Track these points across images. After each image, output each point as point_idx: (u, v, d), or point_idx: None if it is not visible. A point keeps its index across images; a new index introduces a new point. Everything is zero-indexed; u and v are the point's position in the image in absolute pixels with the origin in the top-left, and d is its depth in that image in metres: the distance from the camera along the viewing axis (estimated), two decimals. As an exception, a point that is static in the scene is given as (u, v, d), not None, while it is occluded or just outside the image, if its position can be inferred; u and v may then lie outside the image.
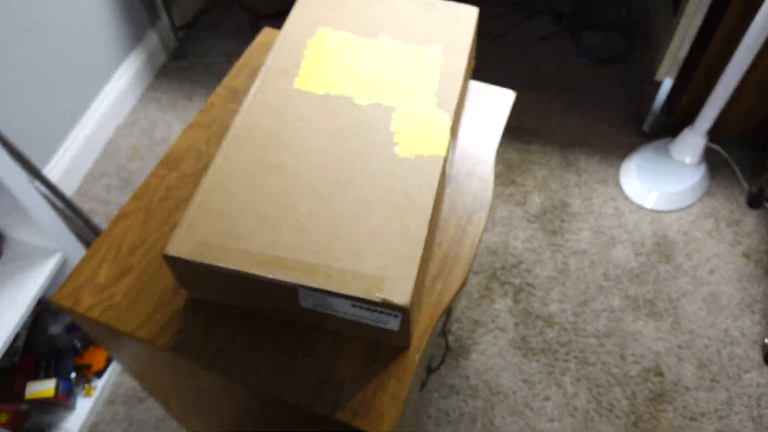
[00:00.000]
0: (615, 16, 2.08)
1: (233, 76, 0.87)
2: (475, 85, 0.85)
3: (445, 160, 0.65)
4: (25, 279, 1.05)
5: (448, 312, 0.98)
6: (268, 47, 0.90)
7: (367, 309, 0.54)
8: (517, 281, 1.47)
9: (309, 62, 0.73)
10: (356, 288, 0.53)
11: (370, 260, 0.55)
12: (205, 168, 0.75)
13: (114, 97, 1.76)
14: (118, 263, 0.66)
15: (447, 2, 0.80)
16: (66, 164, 1.61)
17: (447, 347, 1.32)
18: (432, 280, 0.65)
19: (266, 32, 0.93)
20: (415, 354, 0.60)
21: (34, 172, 1.22)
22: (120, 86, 1.78)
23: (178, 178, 0.74)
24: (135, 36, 1.82)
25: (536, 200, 1.62)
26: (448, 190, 0.73)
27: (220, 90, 0.85)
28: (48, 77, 1.50)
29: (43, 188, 1.31)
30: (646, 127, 1.76)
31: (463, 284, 0.65)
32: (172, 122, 1.81)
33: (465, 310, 1.42)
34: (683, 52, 1.54)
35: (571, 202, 1.61)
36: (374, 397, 0.57)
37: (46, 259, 1.07)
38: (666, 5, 1.71)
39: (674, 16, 1.53)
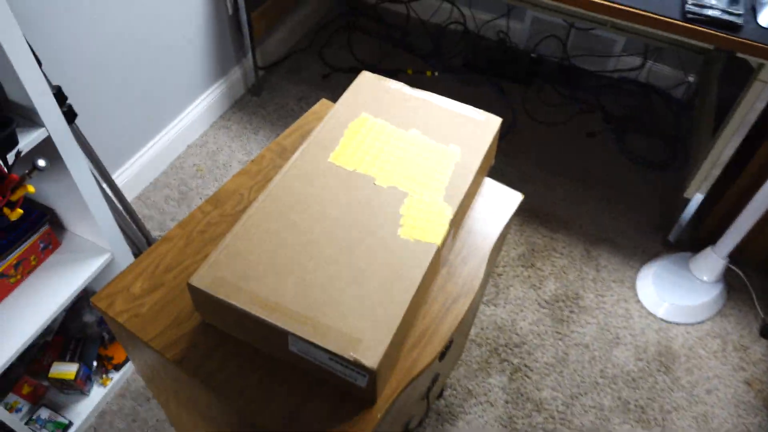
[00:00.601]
0: (664, 125, 2.16)
1: (286, 136, 1.00)
2: (489, 183, 0.95)
3: (441, 247, 0.75)
4: (75, 271, 1.19)
5: (435, 378, 1.06)
6: (320, 117, 1.04)
7: (341, 364, 0.64)
8: (516, 360, 1.52)
9: (347, 140, 0.85)
10: (335, 344, 0.63)
11: (354, 321, 0.65)
12: (244, 211, 0.87)
13: (192, 118, 1.96)
14: (153, 279, 0.79)
15: (476, 110, 0.91)
16: (135, 170, 1.80)
17: (428, 411, 1.39)
18: (409, 348, 0.75)
19: (322, 103, 1.07)
20: (378, 412, 0.69)
21: (104, 175, 1.39)
22: (199, 110, 1.98)
23: (219, 215, 0.87)
24: (222, 69, 2.03)
25: (551, 287, 1.68)
26: (443, 271, 0.83)
27: (273, 146, 0.98)
28: (141, 90, 1.70)
29: (108, 190, 1.49)
30: (671, 238, 1.81)
31: (434, 359, 0.74)
32: (236, 150, 1.99)
33: (462, 379, 1.49)
34: (716, 172, 1.60)
35: (585, 295, 1.67)
36: (335, 439, 0.66)
37: (96, 257, 1.22)
38: (707, 124, 1.78)
39: (712, 136, 1.60)
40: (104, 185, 1.44)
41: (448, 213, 0.77)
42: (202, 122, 2.03)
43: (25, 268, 1.17)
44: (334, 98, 2.17)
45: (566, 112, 2.18)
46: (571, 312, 1.63)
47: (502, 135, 2.09)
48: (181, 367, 0.71)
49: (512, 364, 1.52)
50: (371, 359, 0.62)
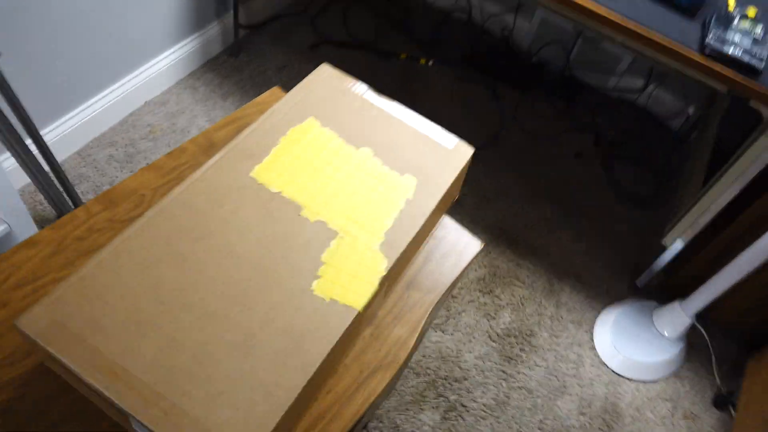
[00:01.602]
0: (655, 156, 2.03)
1: (219, 127, 0.84)
2: (448, 225, 0.80)
3: (362, 312, 0.60)
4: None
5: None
6: (266, 109, 0.87)
7: (196, 463, 0.49)
8: (453, 397, 1.40)
9: (281, 150, 0.69)
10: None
11: (220, 411, 0.50)
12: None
13: (156, 71, 1.75)
14: None
15: (447, 133, 0.76)
16: (81, 120, 1.60)
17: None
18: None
19: (273, 93, 0.90)
20: None
21: (26, 123, 1.20)
22: (166, 63, 1.77)
23: (108, 220, 0.70)
24: (198, 21, 1.82)
25: (506, 319, 1.56)
26: (367, 332, 0.69)
27: (200, 137, 0.82)
28: (101, 29, 1.49)
29: (32, 143, 1.30)
30: (639, 282, 1.69)
31: (332, 447, 0.60)
32: (199, 115, 1.80)
33: (391, 411, 1.36)
34: (702, 221, 1.48)
35: (539, 333, 1.55)
36: None
37: (-12, 223, 1.05)
38: (700, 167, 1.65)
39: (704, 183, 1.47)
40: (27, 139, 1.25)
41: (382, 268, 0.62)
42: (167, 78, 1.82)
43: None
44: (312, 72, 1.98)
45: (557, 127, 2.03)
46: (522, 350, 1.52)
47: (486, 144, 1.94)
48: (4, 419, 0.55)
49: (448, 401, 1.40)
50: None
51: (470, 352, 1.48)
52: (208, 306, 0.56)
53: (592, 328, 1.59)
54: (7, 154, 1.46)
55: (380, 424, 1.34)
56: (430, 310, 0.72)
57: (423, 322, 0.70)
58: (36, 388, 0.58)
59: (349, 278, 0.61)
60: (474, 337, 1.51)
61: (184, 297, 0.56)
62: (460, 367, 1.45)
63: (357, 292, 0.60)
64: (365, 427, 1.32)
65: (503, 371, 1.47)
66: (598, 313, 1.62)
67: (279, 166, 0.68)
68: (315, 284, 0.60)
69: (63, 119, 1.57)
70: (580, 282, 1.67)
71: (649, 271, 1.68)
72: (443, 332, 1.50)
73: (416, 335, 0.69)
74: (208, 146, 0.81)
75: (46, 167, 1.49)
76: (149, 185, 0.74)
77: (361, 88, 0.78)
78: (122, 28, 1.59)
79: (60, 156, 1.61)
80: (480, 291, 1.60)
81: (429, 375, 1.43)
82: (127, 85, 1.70)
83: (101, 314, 0.54)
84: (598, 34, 1.17)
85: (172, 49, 1.79)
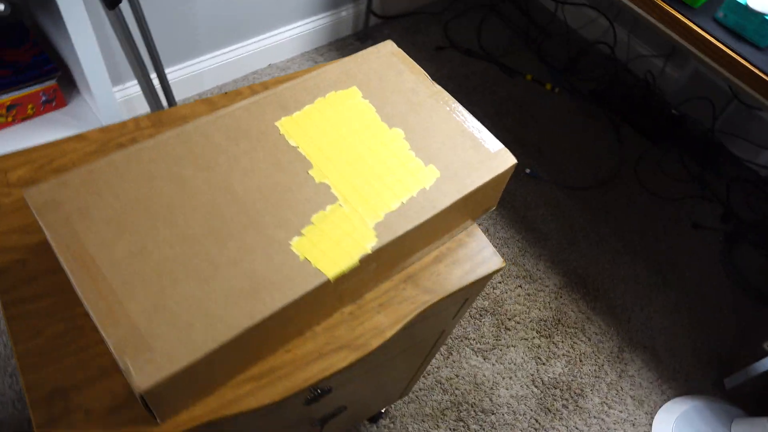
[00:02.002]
0: (789, 251, 1.76)
1: (280, 81, 0.86)
2: (475, 233, 0.75)
3: (333, 282, 0.58)
4: (59, 135, 1.15)
5: (338, 409, 0.90)
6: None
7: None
8: (474, 426, 1.32)
9: (312, 110, 0.69)
10: (116, 338, 0.50)
11: (160, 323, 0.51)
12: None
13: (285, 38, 1.86)
14: (36, 173, 0.69)
15: (493, 138, 0.71)
16: (208, 67, 1.74)
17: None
18: (243, 380, 0.59)
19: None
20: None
21: (155, 60, 1.33)
22: (296, 33, 1.88)
23: (149, 136, 0.75)
24: (334, 0, 1.90)
25: (557, 369, 1.43)
26: (348, 309, 0.66)
27: (257, 86, 0.84)
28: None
29: (156, 79, 1.43)
30: (727, 383, 1.47)
31: (272, 403, 0.58)
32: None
33: (407, 415, 1.31)
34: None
35: (590, 396, 1.41)
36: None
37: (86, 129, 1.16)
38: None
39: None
40: (152, 75, 1.39)
41: (369, 246, 0.60)
42: (294, 47, 1.92)
43: (20, 114, 1.14)
44: (436, 75, 1.98)
45: (682, 190, 1.84)
46: (565, 406, 1.38)
47: (593, 185, 1.80)
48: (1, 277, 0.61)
49: (468, 428, 1.32)
50: (144, 379, 0.48)
51: (507, 389, 1.38)
52: (188, 229, 0.57)
53: (655, 411, 1.41)
54: (134, 81, 1.62)
55: (391, 425, 1.29)
56: (421, 309, 0.67)
57: (408, 319, 0.66)
58: (37, 259, 0.62)
59: (331, 245, 0.59)
60: (516, 375, 1.41)
61: (169, 214, 0.58)
62: (491, 400, 1.36)
63: (333, 261, 0.58)
64: (377, 420, 1.28)
65: (536, 420, 1.35)
66: (668, 399, 1.44)
67: (306, 123, 0.68)
68: (295, 240, 0.58)
69: (190, 62, 1.71)
70: (656, 359, 1.49)
71: (743, 373, 1.46)
72: (485, 359, 1.42)
73: (396, 328, 0.65)
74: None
75: (164, 102, 1.64)
76: (196, 115, 0.78)
77: (418, 73, 0.76)
78: (265, -7, 1.70)
79: (180, 96, 1.76)
80: (537, 332, 1.49)
81: (456, 396, 1.35)
82: (256, 45, 1.81)
83: (93, 206, 0.57)
84: (758, 101, 1.03)
85: (304, 21, 1.88)
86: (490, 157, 0.69)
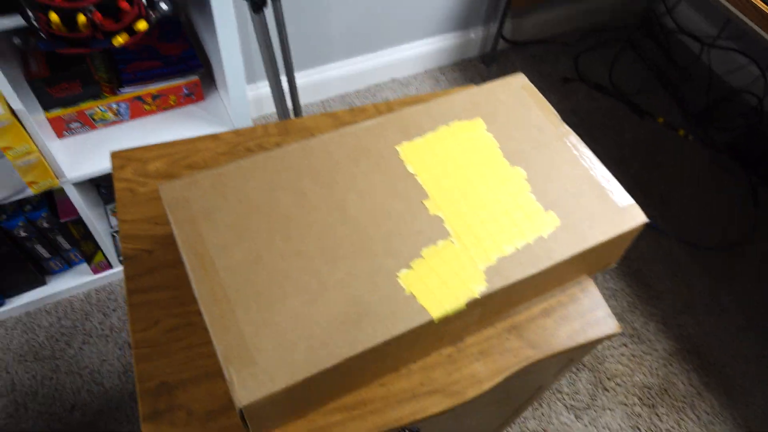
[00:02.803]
0: None
1: (404, 102, 0.85)
2: (589, 290, 0.70)
3: (437, 323, 0.56)
4: (194, 129, 1.22)
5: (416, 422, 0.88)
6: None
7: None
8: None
9: (434, 138, 0.68)
10: (225, 346, 0.50)
11: (266, 339, 0.51)
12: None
13: (410, 54, 1.88)
14: (171, 166, 0.73)
15: (623, 192, 0.66)
16: (333, 76, 1.80)
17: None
18: (330, 410, 0.58)
19: (465, 88, 0.88)
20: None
21: (288, 63, 1.39)
22: (421, 50, 1.89)
23: (275, 144, 0.77)
24: (464, 21, 1.90)
25: (651, 441, 1.31)
26: (447, 351, 0.63)
27: (382, 106, 0.84)
28: (377, 3, 1.66)
29: (284, 82, 1.49)
30: None
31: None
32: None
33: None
34: None
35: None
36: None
37: (217, 127, 1.23)
38: None
39: None
40: (281, 77, 1.45)
41: (477, 291, 0.57)
42: (418, 63, 1.93)
43: (162, 104, 1.22)
44: (559, 108, 1.91)
45: (823, 266, 1.63)
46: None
47: (720, 248, 1.64)
48: (125, 266, 0.65)
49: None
50: (245, 394, 0.48)
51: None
52: (301, 244, 0.57)
53: None
54: (264, 81, 1.70)
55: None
56: (524, 364, 0.63)
57: (509, 373, 0.62)
58: (163, 250, 0.66)
59: (438, 283, 0.57)
60: (603, 442, 1.31)
61: (285, 227, 0.58)
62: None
63: (439, 301, 0.56)
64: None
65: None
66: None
67: (426, 150, 0.66)
68: (403, 272, 0.57)
69: (318, 69, 1.77)
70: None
71: None
72: (577, 418, 1.33)
73: (495, 380, 0.62)
74: (387, 112, 0.83)
75: (290, 104, 1.70)
76: (321, 128, 0.79)
77: (547, 110, 0.72)
78: (396, 4, 1.72)
79: (305, 99, 1.82)
80: (640, 399, 1.37)
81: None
82: (382, 58, 1.84)
83: (218, 208, 0.59)
84: None
85: (431, 39, 1.88)
86: (617, 211, 0.64)
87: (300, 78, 1.76)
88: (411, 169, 0.64)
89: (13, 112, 0.95)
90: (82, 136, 1.18)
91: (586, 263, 0.65)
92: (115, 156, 0.73)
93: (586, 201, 0.64)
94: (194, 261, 0.55)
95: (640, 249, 1.61)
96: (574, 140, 0.70)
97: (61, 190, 1.14)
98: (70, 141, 1.17)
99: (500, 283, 0.57)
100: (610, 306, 1.50)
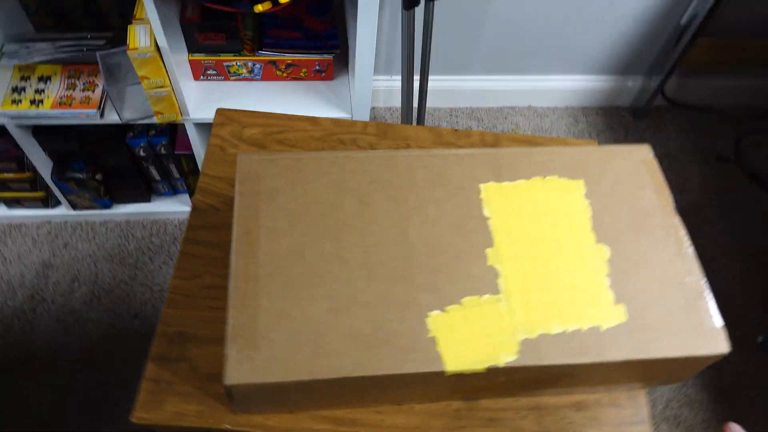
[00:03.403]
0: None
1: (513, 139, 0.81)
2: (639, 402, 0.63)
3: (448, 375, 0.53)
4: (315, 107, 1.26)
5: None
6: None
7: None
8: None
9: (524, 186, 0.63)
10: (235, 323, 0.51)
11: (278, 331, 0.52)
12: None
13: (554, 86, 1.80)
14: (263, 140, 0.75)
15: (717, 315, 0.57)
16: (468, 87, 1.77)
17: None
18: (318, 418, 0.58)
19: (589, 143, 0.82)
20: (227, 425, 0.56)
21: (424, 65, 1.38)
22: (568, 85, 1.80)
23: (369, 143, 0.77)
24: (625, 65, 1.77)
25: None
26: (458, 405, 0.60)
27: (488, 135, 0.81)
28: (532, 25, 1.61)
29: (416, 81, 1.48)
30: None
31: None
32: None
33: None
34: None
35: None
36: None
37: (336, 113, 1.26)
38: None
39: None
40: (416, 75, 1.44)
41: (504, 360, 0.53)
42: (561, 97, 1.85)
43: (293, 73, 1.27)
44: (700, 189, 1.73)
45: None
46: None
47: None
48: (191, 215, 0.68)
49: None
50: (234, 374, 0.49)
51: None
52: (347, 252, 0.56)
53: None
54: (389, 75, 1.71)
55: None
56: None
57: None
58: (228, 212, 0.69)
59: (466, 338, 0.53)
60: None
61: (338, 230, 0.58)
62: None
63: (459, 355, 0.52)
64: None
65: None
66: None
67: (510, 197, 0.62)
68: (434, 313, 0.54)
69: (455, 77, 1.75)
70: None
71: None
72: None
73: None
74: (491, 144, 0.80)
75: (415, 104, 1.70)
76: (419, 139, 0.78)
77: (662, 195, 0.64)
78: (554, 33, 1.65)
79: (433, 104, 1.81)
80: None
81: None
82: (524, 83, 1.78)
83: (283, 192, 0.59)
84: None
85: (581, 77, 1.79)
86: (699, 331, 0.56)
87: (434, 82, 1.75)
88: (486, 212, 0.61)
89: (157, 47, 1.03)
90: (214, 84, 1.26)
91: (641, 374, 0.59)
92: (219, 113, 0.77)
93: (667, 307, 0.57)
94: (242, 235, 0.56)
95: (741, 369, 1.43)
96: (681, 236, 0.62)
97: (182, 126, 1.23)
98: (203, 85, 1.25)
99: (532, 360, 0.53)
100: (680, 416, 1.36)
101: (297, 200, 0.59)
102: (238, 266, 0.55)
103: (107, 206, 1.49)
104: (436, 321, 0.54)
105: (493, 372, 0.53)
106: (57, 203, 1.49)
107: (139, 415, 0.58)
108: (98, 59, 1.12)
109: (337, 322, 0.53)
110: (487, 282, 0.56)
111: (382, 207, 0.60)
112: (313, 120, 0.78)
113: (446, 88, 1.77)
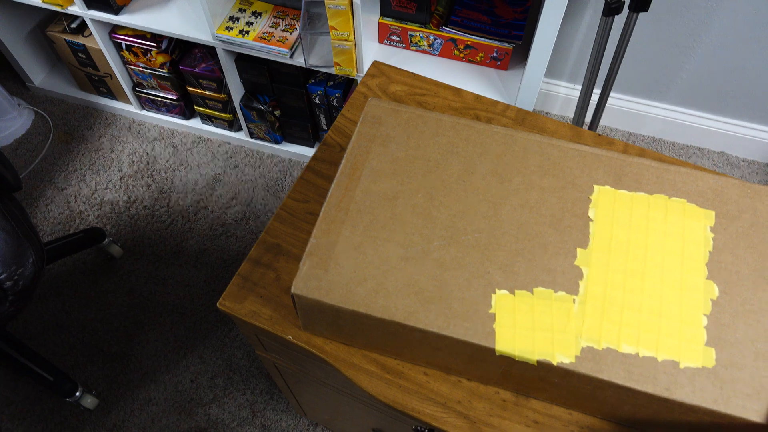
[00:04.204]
0: None
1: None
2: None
3: (497, 353, 0.51)
4: (480, 90, 1.25)
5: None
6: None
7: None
8: None
9: (644, 200, 0.59)
10: (317, 240, 0.55)
11: (350, 260, 0.55)
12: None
13: (756, 136, 1.59)
14: (384, 83, 0.78)
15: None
16: (657, 114, 1.64)
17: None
18: (369, 358, 0.60)
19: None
20: (285, 334, 0.61)
21: (607, 85, 1.31)
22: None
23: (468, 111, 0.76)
24: None
25: None
26: (488, 392, 0.58)
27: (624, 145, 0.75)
28: (732, 62, 1.44)
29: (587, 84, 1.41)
30: None
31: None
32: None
33: None
34: None
35: None
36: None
37: (496, 95, 1.24)
38: None
39: None
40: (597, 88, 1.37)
41: (559, 358, 0.50)
42: (759, 150, 1.62)
43: (470, 55, 1.28)
44: None
45: None
46: None
47: None
48: (319, 147, 0.73)
49: None
50: (300, 285, 0.53)
51: None
52: (436, 210, 0.58)
53: None
54: (567, 82, 1.63)
55: None
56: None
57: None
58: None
59: (527, 325, 0.52)
60: None
61: (437, 189, 0.59)
62: None
63: (513, 339, 0.51)
64: None
65: None
66: None
67: (624, 207, 0.58)
68: (502, 292, 0.53)
69: (642, 101, 1.62)
70: None
71: None
72: None
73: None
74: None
75: (587, 118, 1.61)
76: (556, 133, 0.75)
77: None
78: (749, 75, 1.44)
79: (608, 122, 1.70)
80: None
81: None
82: (720, 125, 1.60)
83: (396, 140, 0.62)
84: None
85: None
86: None
87: (618, 100, 1.64)
88: (592, 214, 0.58)
89: (351, 3, 1.11)
90: (395, 49, 1.32)
91: (712, 428, 0.51)
92: (375, 65, 0.81)
93: (764, 367, 0.50)
94: (347, 168, 0.60)
95: None
96: None
97: (356, 83, 1.32)
98: (385, 48, 1.32)
99: (588, 370, 0.50)
100: None
101: (407, 151, 0.61)
102: (334, 195, 0.59)
103: (278, 141, 1.65)
104: (502, 300, 0.53)
105: (545, 369, 0.51)
106: (239, 128, 1.69)
107: (224, 302, 0.65)
108: (302, 4, 1.24)
109: (405, 269, 0.54)
110: (567, 279, 0.54)
111: (485, 180, 0.59)
112: (457, 91, 0.79)
113: (630, 110, 1.65)
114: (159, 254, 1.53)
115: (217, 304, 0.65)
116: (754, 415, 0.47)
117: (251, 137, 1.67)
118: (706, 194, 0.59)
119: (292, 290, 0.54)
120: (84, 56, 1.61)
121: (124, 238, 1.56)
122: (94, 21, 1.44)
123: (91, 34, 1.54)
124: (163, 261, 1.52)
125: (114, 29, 1.49)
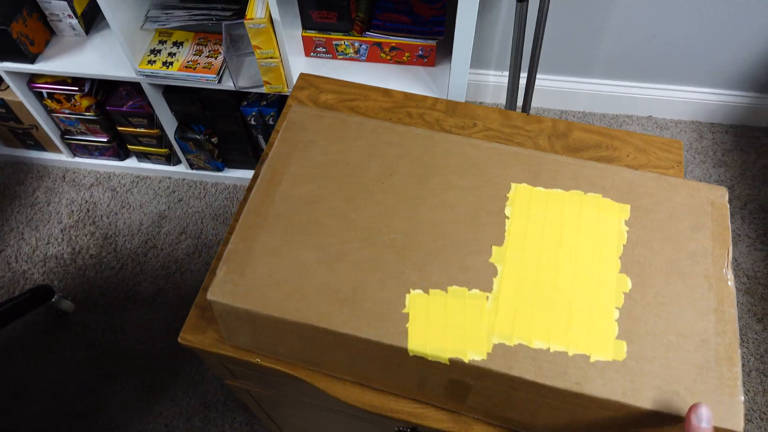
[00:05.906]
0: None
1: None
2: None
3: (406, 351, 0.51)
4: (410, 87, 1.27)
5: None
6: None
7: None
8: None
9: (560, 197, 0.60)
10: (234, 246, 0.55)
11: (265, 265, 0.54)
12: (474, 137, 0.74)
13: (682, 98, 1.67)
14: (338, 104, 0.78)
15: (737, 384, 0.49)
16: (584, 89, 1.69)
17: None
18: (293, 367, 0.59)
19: (677, 145, 0.76)
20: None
21: (533, 59, 1.35)
22: (698, 97, 1.67)
23: (435, 120, 0.77)
24: (766, 83, 1.60)
25: None
26: (409, 406, 0.59)
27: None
28: (670, 31, 1.51)
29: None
30: None
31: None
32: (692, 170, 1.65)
33: None
34: None
35: None
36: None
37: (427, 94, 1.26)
38: None
39: None
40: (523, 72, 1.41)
41: (471, 356, 0.50)
42: (687, 111, 1.70)
43: (396, 57, 1.30)
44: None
45: None
46: None
47: None
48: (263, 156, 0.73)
49: None
50: (216, 291, 0.54)
51: None
52: (354, 213, 0.57)
53: None
54: (492, 71, 1.67)
55: None
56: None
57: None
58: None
59: (440, 324, 0.51)
60: None
61: (355, 192, 0.59)
62: None
63: (426, 338, 0.50)
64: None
65: None
66: None
67: (540, 204, 0.58)
68: (416, 292, 0.52)
69: (570, 78, 1.68)
70: None
71: None
72: None
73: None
74: (563, 131, 0.77)
75: (520, 102, 1.66)
76: (487, 119, 0.77)
77: (721, 245, 0.55)
78: (688, 42, 1.52)
79: (539, 103, 1.75)
80: None
81: None
82: (645, 92, 1.67)
83: (318, 145, 0.62)
84: None
85: (714, 90, 1.63)
86: (710, 396, 0.48)
87: (546, 81, 1.69)
88: (508, 212, 0.58)
89: (271, 20, 1.11)
90: (323, 60, 1.32)
91: (621, 423, 0.51)
92: (302, 77, 0.81)
93: (679, 361, 0.50)
94: (267, 174, 0.60)
95: None
96: (727, 294, 0.53)
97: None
98: (312, 61, 1.32)
99: (499, 366, 0.49)
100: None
101: (328, 156, 0.61)
102: (253, 201, 0.58)
103: (219, 169, 1.63)
104: (415, 299, 0.52)
105: (458, 369, 0.51)
106: (178, 161, 1.66)
107: (185, 336, 0.63)
108: (222, 28, 1.23)
109: (320, 272, 0.54)
110: (481, 277, 0.54)
111: (404, 182, 0.60)
112: (387, 92, 0.80)
113: (559, 89, 1.70)
114: (113, 302, 1.48)
115: (179, 339, 0.63)
116: (664, 407, 0.48)
117: (192, 168, 1.64)
118: (622, 188, 0.59)
119: (208, 296, 0.53)
120: (4, 110, 1.55)
121: (74, 291, 1.50)
122: (9, 72, 1.39)
123: (8, 87, 1.48)
124: (119, 308, 1.47)
125: (32, 78, 1.44)
